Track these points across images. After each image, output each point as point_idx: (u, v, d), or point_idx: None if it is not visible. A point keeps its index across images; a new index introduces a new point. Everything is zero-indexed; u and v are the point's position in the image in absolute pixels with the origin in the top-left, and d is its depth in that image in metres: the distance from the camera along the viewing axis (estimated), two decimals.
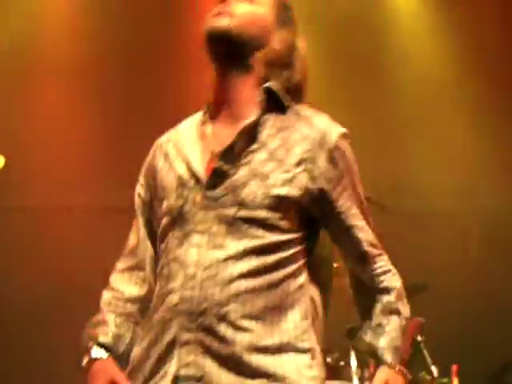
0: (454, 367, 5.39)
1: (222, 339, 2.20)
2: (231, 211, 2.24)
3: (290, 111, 2.36)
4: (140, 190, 2.55)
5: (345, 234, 2.34)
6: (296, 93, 2.42)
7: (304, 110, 2.39)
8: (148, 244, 2.51)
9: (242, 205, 2.23)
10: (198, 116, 2.51)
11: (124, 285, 2.46)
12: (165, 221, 2.40)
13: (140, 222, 2.53)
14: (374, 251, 2.37)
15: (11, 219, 6.33)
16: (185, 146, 2.46)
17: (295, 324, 2.29)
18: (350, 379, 5.17)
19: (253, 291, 2.25)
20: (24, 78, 6.41)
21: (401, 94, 6.88)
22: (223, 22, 2.30)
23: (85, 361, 2.30)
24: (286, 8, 2.50)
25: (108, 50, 6.37)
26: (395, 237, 5.66)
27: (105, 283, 2.59)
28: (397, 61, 6.88)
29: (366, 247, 2.36)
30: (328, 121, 2.36)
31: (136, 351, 2.35)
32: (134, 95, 6.34)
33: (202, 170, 2.38)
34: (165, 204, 2.40)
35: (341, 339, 5.09)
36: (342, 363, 5.28)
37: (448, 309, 6.24)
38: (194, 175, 2.37)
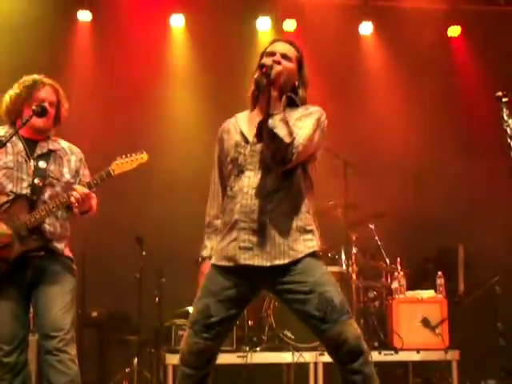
0: (399, 259, 7.16)
1: (262, 224, 3.42)
2: (267, 157, 3.44)
3: (300, 107, 3.59)
4: (216, 153, 3.73)
5: None
6: (304, 100, 3.65)
7: (307, 106, 3.60)
8: (218, 181, 3.68)
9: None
10: (247, 111, 3.70)
11: (212, 210, 3.72)
12: (229, 166, 3.58)
13: (216, 169, 3.70)
14: None
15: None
16: (240, 125, 3.65)
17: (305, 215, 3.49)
18: (341, 265, 7.12)
19: (279, 200, 3.45)
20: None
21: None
22: (275, 71, 3.40)
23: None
24: (301, 61, 3.69)
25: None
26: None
27: None
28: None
29: None
30: (313, 106, 3.57)
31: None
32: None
33: (250, 135, 3.56)
34: (228, 158, 3.59)
35: None
36: (336, 256, 7.12)
37: (396, 226, 7.81)
38: (244, 138, 3.56)
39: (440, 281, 7.07)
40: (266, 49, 3.70)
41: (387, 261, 7.29)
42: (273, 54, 3.60)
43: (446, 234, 7.99)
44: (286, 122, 3.39)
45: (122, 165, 4.19)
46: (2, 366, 4.13)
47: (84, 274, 6.27)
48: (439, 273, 7.12)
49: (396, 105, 8.66)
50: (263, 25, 8.61)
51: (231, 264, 3.52)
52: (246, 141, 3.57)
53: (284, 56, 3.60)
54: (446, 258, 7.91)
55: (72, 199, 4.08)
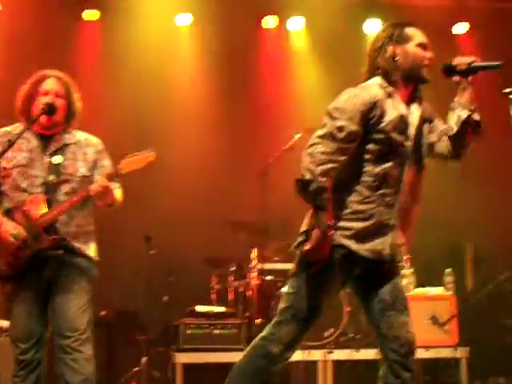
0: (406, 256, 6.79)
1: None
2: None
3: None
4: (359, 111, 3.24)
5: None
6: None
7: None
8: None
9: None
10: (384, 84, 3.36)
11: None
12: (383, 144, 3.28)
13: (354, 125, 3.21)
14: None
15: None
16: (399, 107, 3.34)
17: None
18: None
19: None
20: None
21: None
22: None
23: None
24: None
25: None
26: None
27: None
28: None
29: None
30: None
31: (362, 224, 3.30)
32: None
33: (411, 128, 3.37)
34: (386, 135, 3.26)
35: None
36: None
37: None
38: (406, 125, 3.34)
39: (449, 278, 6.98)
40: (404, 28, 3.46)
41: None
42: (425, 46, 3.42)
43: (455, 231, 7.93)
44: None
45: (130, 163, 4.07)
46: (18, 363, 4.15)
47: None
48: (448, 270, 7.02)
49: None
50: (270, 23, 8.66)
51: (372, 257, 3.39)
52: (407, 128, 3.37)
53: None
54: (454, 255, 7.86)
55: (91, 192, 4.03)
